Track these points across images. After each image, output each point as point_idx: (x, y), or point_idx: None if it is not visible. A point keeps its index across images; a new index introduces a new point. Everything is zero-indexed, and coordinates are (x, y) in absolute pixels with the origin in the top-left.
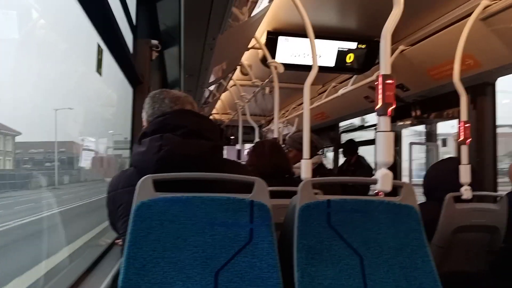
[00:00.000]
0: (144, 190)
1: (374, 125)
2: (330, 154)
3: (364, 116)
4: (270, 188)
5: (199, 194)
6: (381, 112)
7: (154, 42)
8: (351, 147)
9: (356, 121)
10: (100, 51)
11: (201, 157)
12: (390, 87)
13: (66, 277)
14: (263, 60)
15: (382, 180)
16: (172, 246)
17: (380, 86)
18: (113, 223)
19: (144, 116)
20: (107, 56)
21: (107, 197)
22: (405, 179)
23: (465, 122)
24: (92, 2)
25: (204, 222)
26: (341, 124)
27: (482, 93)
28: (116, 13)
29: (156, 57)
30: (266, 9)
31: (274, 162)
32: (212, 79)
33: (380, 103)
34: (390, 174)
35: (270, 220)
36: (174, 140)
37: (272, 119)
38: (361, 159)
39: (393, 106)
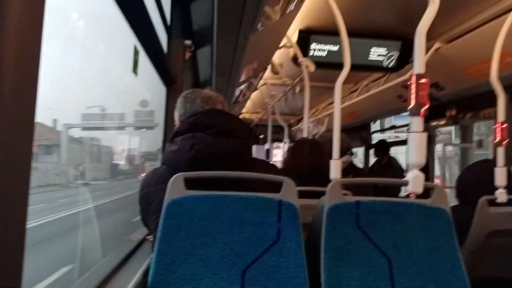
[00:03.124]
0: (175, 187)
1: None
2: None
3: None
4: (299, 188)
5: (229, 193)
6: (414, 112)
7: (188, 42)
8: (383, 147)
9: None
10: (136, 53)
11: (231, 156)
12: (424, 87)
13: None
14: (294, 59)
15: (413, 181)
16: (201, 243)
17: (413, 86)
18: (144, 220)
19: (177, 115)
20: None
21: (140, 194)
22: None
23: (503, 123)
24: (130, 5)
25: (233, 220)
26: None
27: None
28: (151, 13)
29: (189, 57)
30: (298, 8)
31: (312, 163)
32: (243, 78)
33: (413, 103)
34: (421, 175)
35: (298, 220)
36: (206, 139)
37: (302, 118)
38: (393, 160)
39: (426, 106)
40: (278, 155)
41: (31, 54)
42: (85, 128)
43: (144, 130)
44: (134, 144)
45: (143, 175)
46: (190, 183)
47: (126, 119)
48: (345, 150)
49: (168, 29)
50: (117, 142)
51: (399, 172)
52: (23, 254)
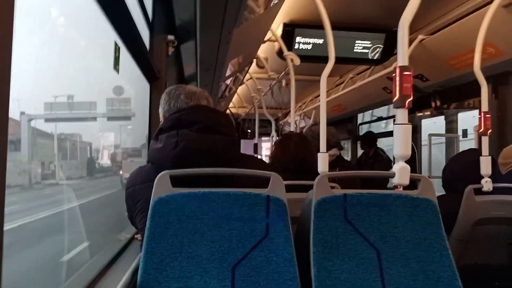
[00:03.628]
0: (161, 185)
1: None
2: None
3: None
4: (286, 182)
5: (216, 189)
6: (399, 104)
7: (171, 37)
8: (370, 139)
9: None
10: (117, 49)
11: (217, 152)
12: (408, 79)
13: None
14: (279, 53)
15: (400, 173)
16: (189, 241)
17: (397, 78)
18: (132, 219)
19: (161, 112)
20: (124, 53)
21: (126, 193)
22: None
23: (486, 113)
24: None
25: (221, 217)
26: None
27: (504, 83)
28: (132, 9)
29: (172, 52)
30: (282, 1)
31: (300, 157)
32: (228, 73)
33: (397, 95)
34: (407, 167)
35: (286, 215)
36: (190, 136)
37: (289, 112)
38: (380, 151)
39: (411, 98)
40: (267, 148)
41: (2, 48)
42: (48, 120)
43: (129, 126)
44: (116, 139)
45: (121, 173)
46: (176, 181)
47: (98, 109)
48: (334, 145)
49: (150, 24)
50: (96, 137)
51: (387, 163)
52: (1, 256)
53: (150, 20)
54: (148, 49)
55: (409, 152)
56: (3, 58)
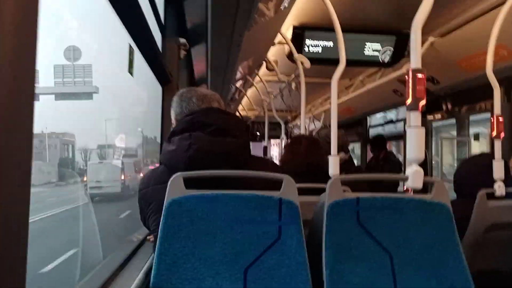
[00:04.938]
0: (175, 187)
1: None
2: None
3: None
4: (298, 185)
5: (229, 192)
6: (412, 107)
7: (182, 40)
8: (380, 142)
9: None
10: (131, 52)
11: (230, 154)
12: (421, 82)
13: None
14: (289, 55)
15: (413, 177)
16: (202, 243)
17: (410, 81)
18: (144, 220)
19: (173, 114)
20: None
21: (139, 195)
22: None
23: (498, 116)
24: (124, 4)
25: (233, 219)
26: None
27: None
28: (145, 13)
29: (184, 55)
30: (292, 4)
31: (310, 160)
32: (238, 75)
33: (410, 98)
34: (421, 170)
35: (298, 218)
36: (203, 139)
37: (298, 114)
38: (390, 155)
39: (424, 101)
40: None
41: (27, 53)
42: None
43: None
44: (103, 137)
45: (84, 179)
46: (189, 183)
47: (41, 81)
48: (339, 148)
49: (162, 28)
50: (81, 135)
51: (397, 166)
52: (26, 255)
53: (162, 23)
54: (160, 52)
55: (423, 155)
56: (28, 65)
